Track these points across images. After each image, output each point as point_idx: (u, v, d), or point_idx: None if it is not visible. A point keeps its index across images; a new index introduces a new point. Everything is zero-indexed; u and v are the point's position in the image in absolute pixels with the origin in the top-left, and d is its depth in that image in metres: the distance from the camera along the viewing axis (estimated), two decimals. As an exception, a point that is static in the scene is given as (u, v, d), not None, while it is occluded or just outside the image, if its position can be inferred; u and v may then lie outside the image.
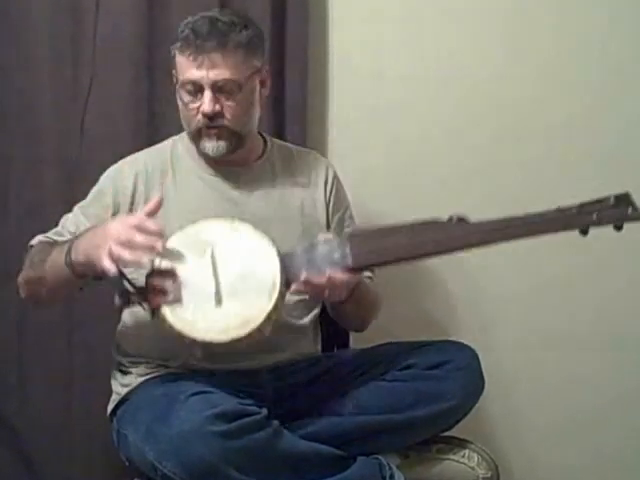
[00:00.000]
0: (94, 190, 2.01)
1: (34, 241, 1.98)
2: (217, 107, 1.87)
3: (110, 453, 2.03)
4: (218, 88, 1.87)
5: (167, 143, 2.06)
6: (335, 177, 2.11)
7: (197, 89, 1.87)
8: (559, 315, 2.50)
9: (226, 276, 1.74)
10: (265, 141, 2.08)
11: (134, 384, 1.93)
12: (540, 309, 2.50)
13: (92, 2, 2.23)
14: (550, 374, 2.51)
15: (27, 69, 2.24)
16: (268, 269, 1.75)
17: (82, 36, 2.25)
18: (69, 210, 2.03)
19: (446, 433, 1.95)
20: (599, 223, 1.83)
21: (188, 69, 1.86)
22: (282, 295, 1.74)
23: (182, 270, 1.74)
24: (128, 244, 1.67)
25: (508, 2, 2.45)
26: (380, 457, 1.86)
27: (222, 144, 1.91)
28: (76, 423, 2.31)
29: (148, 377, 1.91)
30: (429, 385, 1.87)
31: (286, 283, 1.76)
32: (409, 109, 2.45)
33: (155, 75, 2.25)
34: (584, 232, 1.85)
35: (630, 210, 1.84)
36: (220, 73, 1.85)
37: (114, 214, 1.95)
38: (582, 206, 1.84)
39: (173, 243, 1.76)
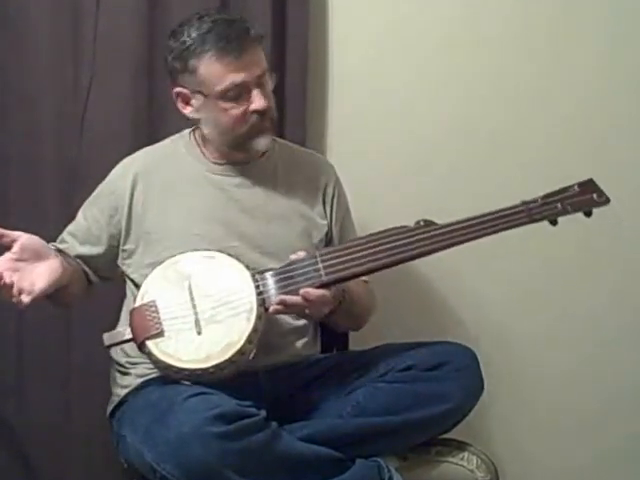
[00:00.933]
0: (95, 191, 2.03)
1: None
2: (267, 101, 1.89)
3: (109, 454, 2.03)
4: (261, 84, 1.88)
5: (167, 142, 2.07)
6: (336, 181, 2.12)
7: (240, 92, 1.87)
8: (558, 316, 2.50)
9: (204, 305, 1.80)
10: None
11: (133, 385, 1.93)
12: (539, 311, 2.50)
13: (92, 2, 2.23)
14: (550, 376, 2.51)
15: (27, 69, 2.24)
16: (244, 294, 1.81)
17: (82, 36, 2.24)
18: (68, 210, 2.04)
19: (445, 435, 1.94)
20: (565, 212, 1.86)
21: (230, 74, 1.85)
22: (260, 317, 1.80)
23: (162, 304, 1.81)
24: None
25: (508, 3, 2.44)
26: (379, 459, 1.85)
27: (270, 138, 1.95)
28: (75, 424, 2.32)
29: (147, 378, 1.91)
30: (428, 387, 1.87)
31: (263, 305, 1.81)
32: (409, 109, 2.45)
33: (155, 75, 2.24)
34: (553, 223, 1.87)
35: (596, 196, 1.86)
36: (260, 67, 1.88)
37: (111, 216, 1.98)
38: (546, 197, 1.87)
39: (152, 279, 1.84)
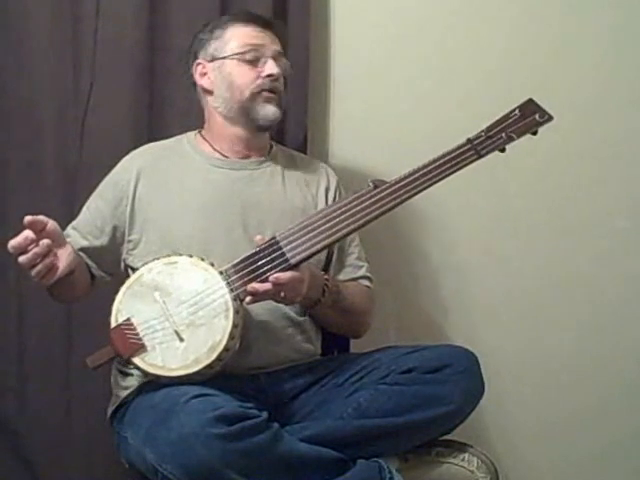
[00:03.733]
0: (99, 185, 2.06)
1: None
2: (279, 70, 2.01)
3: (110, 455, 2.04)
4: (275, 57, 2.02)
5: (172, 140, 2.10)
6: (337, 185, 2.14)
7: (257, 57, 2.00)
8: (558, 318, 2.51)
9: (180, 313, 1.81)
10: (270, 143, 2.13)
11: (134, 386, 1.93)
12: (540, 313, 2.51)
13: (92, 7, 2.23)
14: (550, 378, 2.52)
15: (27, 74, 2.24)
16: (217, 293, 1.81)
17: (82, 40, 2.24)
18: (69, 214, 2.05)
19: (446, 436, 1.94)
20: (511, 140, 1.85)
21: (252, 37, 2.01)
22: (238, 312, 1.80)
23: (138, 320, 1.81)
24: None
25: (509, 4, 2.44)
26: (380, 460, 1.85)
27: (278, 110, 2.02)
28: (76, 425, 2.31)
29: (148, 379, 1.90)
30: (429, 389, 1.87)
31: (238, 299, 1.81)
32: (411, 109, 2.45)
33: (156, 79, 2.25)
34: (502, 150, 1.86)
35: (538, 116, 1.86)
36: (277, 45, 2.04)
37: (116, 207, 2.00)
38: (490, 129, 1.87)
39: (121, 297, 1.84)
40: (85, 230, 2.02)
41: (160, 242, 1.95)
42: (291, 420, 1.87)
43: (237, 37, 2.01)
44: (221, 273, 1.83)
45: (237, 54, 2.00)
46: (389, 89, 2.44)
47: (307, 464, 1.77)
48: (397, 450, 1.90)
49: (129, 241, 2.00)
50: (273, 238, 1.85)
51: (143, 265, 1.87)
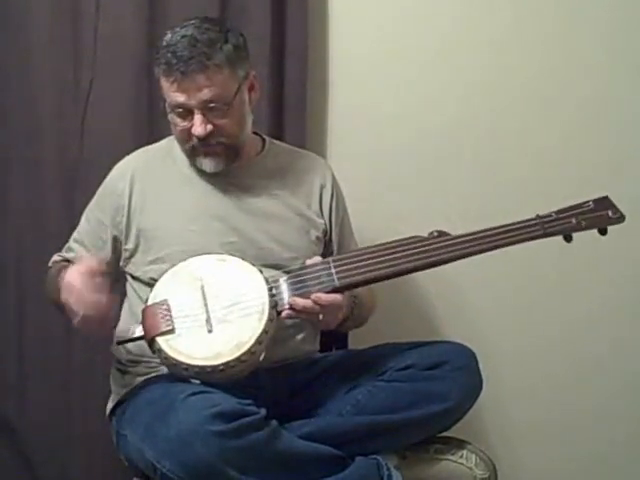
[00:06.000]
0: (95, 195, 2.05)
1: (51, 262, 2.05)
2: (209, 127, 1.89)
3: (109, 453, 2.04)
4: (208, 108, 1.87)
5: (163, 142, 2.09)
6: (334, 181, 2.12)
7: (187, 111, 1.88)
8: (556, 319, 2.51)
9: (216, 305, 1.81)
10: (263, 140, 2.10)
11: (133, 384, 1.93)
12: (537, 312, 2.51)
13: (92, 3, 2.24)
14: (549, 377, 2.52)
15: (27, 70, 2.25)
16: (256, 295, 1.81)
17: (82, 37, 2.25)
18: (69, 212, 2.05)
19: (444, 433, 1.94)
20: (580, 228, 1.85)
21: (174, 94, 1.87)
22: (272, 319, 1.80)
23: (174, 303, 1.81)
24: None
25: (510, 4, 2.45)
26: (378, 457, 1.85)
27: (219, 160, 1.94)
28: (75, 423, 2.32)
29: (147, 377, 1.92)
30: (427, 385, 1.87)
31: (276, 308, 1.81)
32: (410, 111, 2.45)
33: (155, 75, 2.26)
34: (567, 238, 1.87)
35: (610, 213, 1.85)
36: (206, 94, 1.86)
37: (114, 217, 1.99)
38: (561, 212, 1.87)
39: (164, 280, 1.84)
40: (88, 242, 2.02)
41: (156, 249, 1.94)
42: (289, 417, 1.85)
43: (165, 92, 1.89)
44: (267, 280, 1.83)
45: (169, 109, 1.91)
46: (388, 89, 2.45)
47: (305, 461, 1.77)
48: (395, 447, 1.90)
49: (125, 250, 2.00)
50: (327, 258, 1.87)
51: (193, 257, 1.86)
